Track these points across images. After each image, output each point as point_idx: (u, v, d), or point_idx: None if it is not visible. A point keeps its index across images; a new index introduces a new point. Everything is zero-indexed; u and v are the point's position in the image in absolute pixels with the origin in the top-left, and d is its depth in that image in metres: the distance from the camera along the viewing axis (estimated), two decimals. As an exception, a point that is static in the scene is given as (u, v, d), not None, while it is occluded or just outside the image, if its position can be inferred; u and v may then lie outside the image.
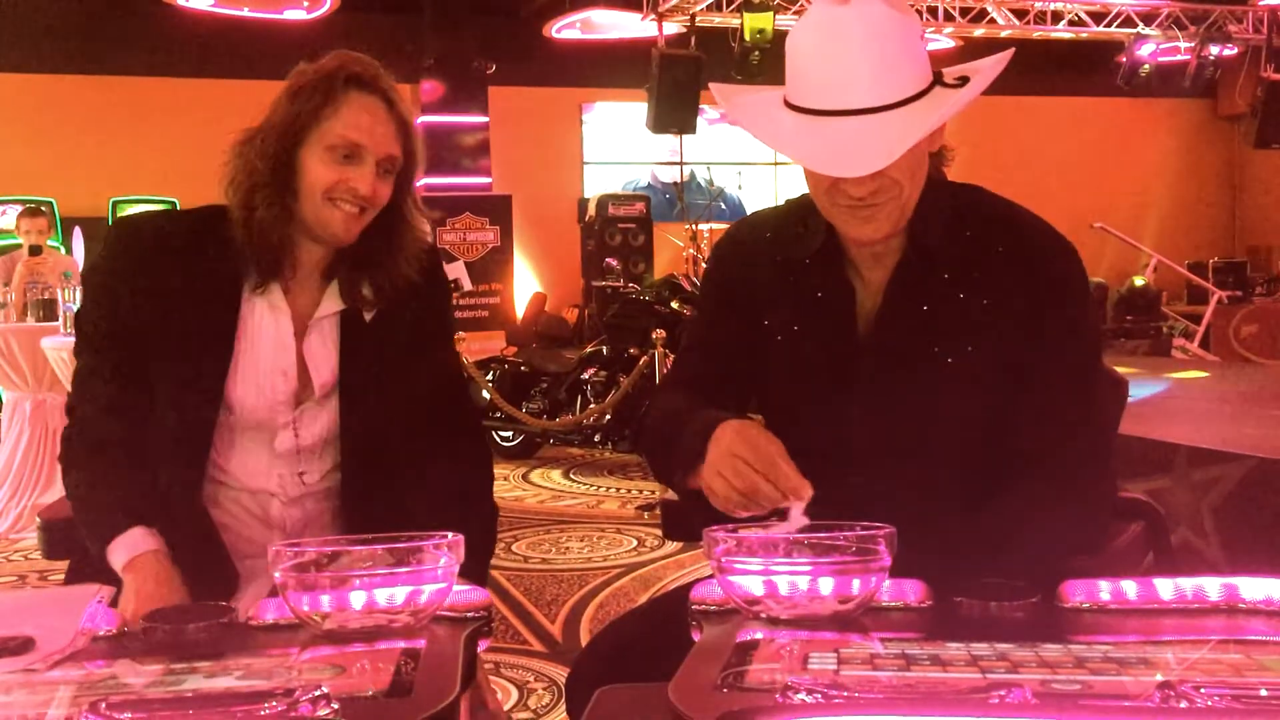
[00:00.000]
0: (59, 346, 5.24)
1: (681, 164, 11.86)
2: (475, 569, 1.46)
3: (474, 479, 1.76)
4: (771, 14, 8.60)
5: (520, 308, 10.99)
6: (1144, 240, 11.03)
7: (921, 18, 8.77)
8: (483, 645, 1.24)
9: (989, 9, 9.68)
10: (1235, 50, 10.11)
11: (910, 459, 1.51)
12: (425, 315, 1.75)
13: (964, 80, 1.44)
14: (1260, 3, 10.09)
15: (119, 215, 2.07)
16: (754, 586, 1.18)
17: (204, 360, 1.62)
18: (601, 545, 5.13)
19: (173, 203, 8.26)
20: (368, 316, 1.70)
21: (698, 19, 9.15)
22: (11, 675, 1.08)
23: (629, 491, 6.36)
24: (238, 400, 1.64)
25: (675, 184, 11.96)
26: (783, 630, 1.15)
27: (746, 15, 8.57)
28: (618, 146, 12.50)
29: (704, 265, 8.80)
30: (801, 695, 0.91)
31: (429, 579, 1.19)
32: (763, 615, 1.18)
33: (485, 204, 10.65)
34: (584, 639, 3.79)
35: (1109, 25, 9.95)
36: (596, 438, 7.00)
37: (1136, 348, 8.51)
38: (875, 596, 1.20)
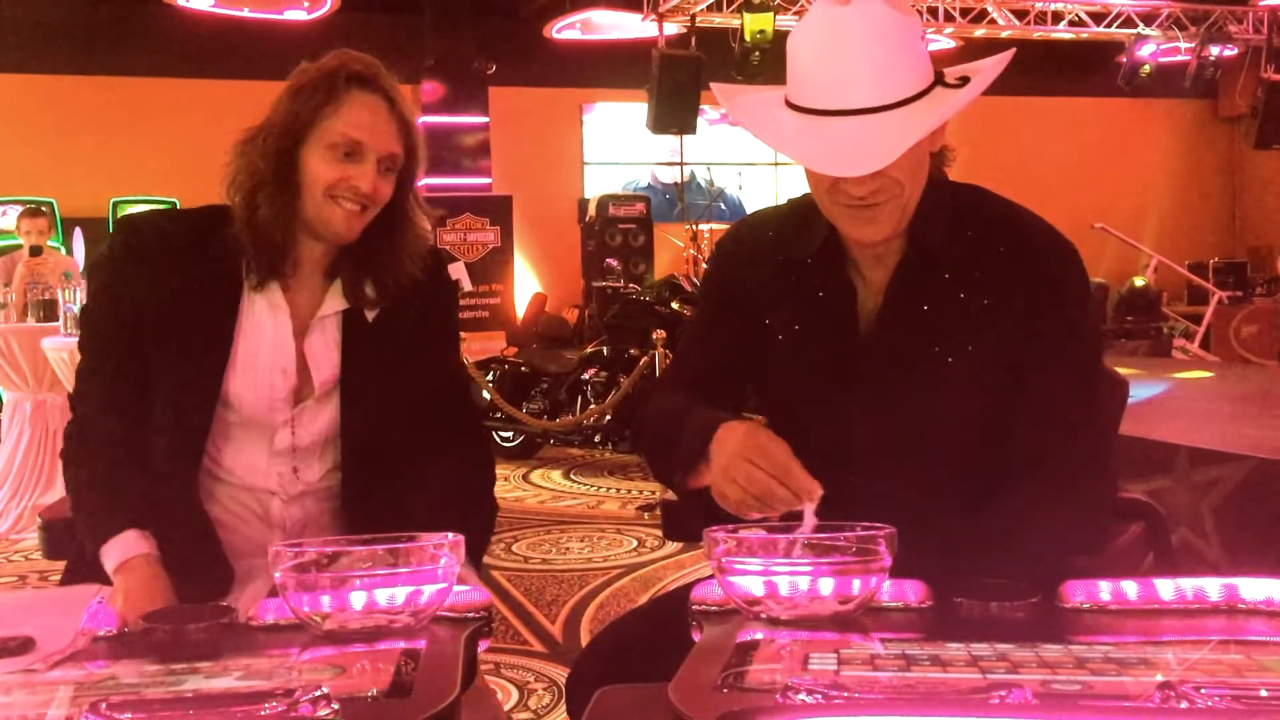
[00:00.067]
0: (59, 347, 5.24)
1: (682, 164, 11.85)
2: (471, 563, 1.47)
3: (475, 479, 1.76)
4: (772, 14, 8.60)
5: (520, 308, 10.99)
6: (1144, 241, 11.02)
7: (922, 18, 8.77)
8: (483, 646, 1.24)
9: (989, 9, 9.68)
10: (1235, 51, 10.10)
11: (910, 459, 1.51)
12: (428, 316, 1.75)
13: (965, 80, 1.44)
14: (1260, 3, 10.09)
15: (122, 214, 2.08)
16: (754, 587, 1.18)
17: (202, 356, 1.63)
18: (602, 546, 5.13)
19: (173, 203, 8.25)
20: (370, 316, 1.71)
21: (698, 19, 9.15)
22: (12, 675, 1.08)
23: (629, 492, 6.36)
24: (236, 396, 1.64)
25: (675, 184, 11.96)
26: (783, 631, 1.15)
27: (747, 15, 8.57)
28: (618, 147, 12.49)
29: (704, 265, 8.82)
30: (802, 696, 0.91)
31: (429, 579, 1.19)
32: (763, 616, 1.18)
33: (485, 204, 10.65)
34: (584, 639, 3.79)
35: (1109, 26, 9.95)
36: (597, 438, 7.00)
37: (1137, 348, 8.51)
38: (875, 597, 1.20)
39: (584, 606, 4.20)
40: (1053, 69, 11.02)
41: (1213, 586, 1.21)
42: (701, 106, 9.16)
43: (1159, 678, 0.95)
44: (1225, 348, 8.40)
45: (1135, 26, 9.89)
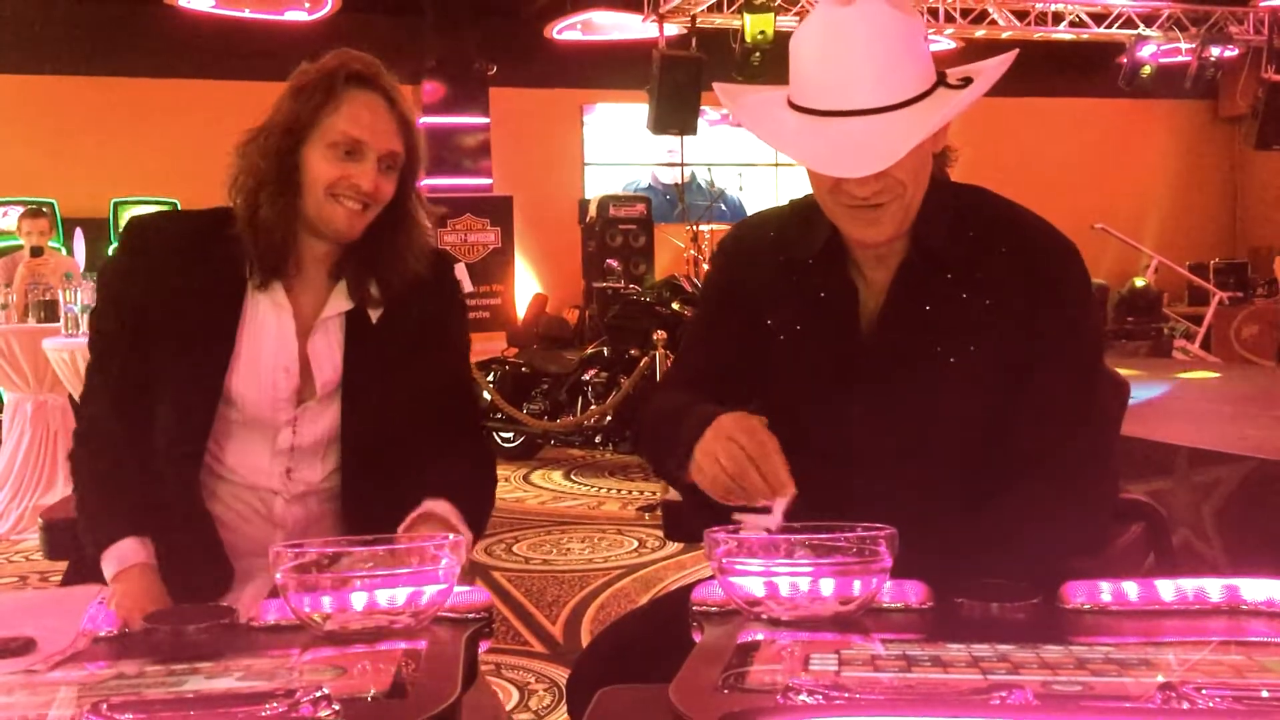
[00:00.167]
0: (60, 348, 5.24)
1: (682, 165, 11.85)
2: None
3: (475, 479, 1.76)
4: (773, 15, 8.60)
5: (521, 309, 10.99)
6: (1145, 241, 11.02)
7: (923, 19, 8.76)
8: (484, 646, 1.24)
9: (990, 10, 9.68)
10: (1236, 51, 10.11)
11: (911, 459, 1.51)
12: (432, 318, 1.75)
13: (967, 81, 1.44)
14: (1261, 4, 10.09)
15: (131, 216, 2.10)
16: (755, 588, 1.18)
17: (205, 353, 1.64)
18: (602, 546, 5.13)
19: (174, 203, 8.25)
20: (374, 317, 1.71)
21: (698, 20, 9.16)
22: (13, 676, 1.08)
23: (630, 493, 6.36)
24: (239, 395, 1.65)
25: (676, 185, 11.95)
26: (784, 631, 1.15)
27: (747, 16, 8.57)
28: (618, 147, 12.49)
29: (705, 266, 8.82)
30: (803, 696, 0.91)
31: (430, 580, 1.19)
32: (764, 616, 1.18)
33: (486, 205, 10.65)
34: (585, 640, 3.79)
35: (1110, 26, 9.95)
36: (597, 439, 7.00)
37: (1137, 349, 8.51)
38: (876, 598, 1.20)
39: (585, 607, 4.20)
40: (1053, 70, 11.01)
41: (1213, 587, 1.21)
42: (702, 107, 9.16)
43: (1160, 679, 0.95)
44: (1226, 348, 8.40)
45: (1136, 27, 9.89)
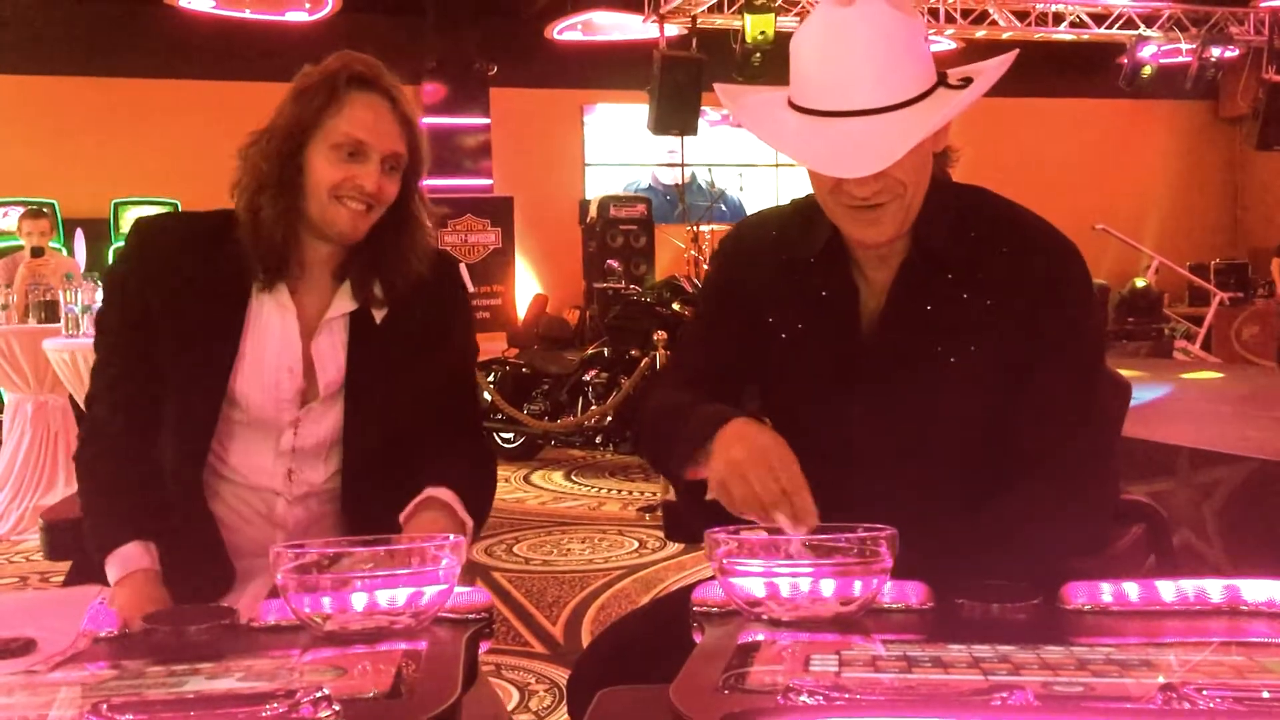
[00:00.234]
0: (61, 348, 5.24)
1: (683, 165, 11.85)
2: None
3: (476, 477, 1.76)
4: (773, 16, 8.60)
5: (521, 309, 10.98)
6: (1145, 242, 11.02)
7: (923, 19, 8.76)
8: (484, 647, 1.24)
9: (990, 11, 9.68)
10: (1236, 52, 10.11)
11: (912, 459, 1.51)
12: (435, 318, 1.75)
13: (967, 81, 1.44)
14: (1261, 4, 10.09)
15: (139, 217, 2.10)
16: (755, 588, 1.18)
17: (209, 354, 1.65)
18: (603, 547, 5.13)
19: (174, 204, 8.25)
20: (378, 318, 1.71)
21: (699, 21, 9.16)
22: (13, 677, 1.08)
23: (630, 493, 6.36)
24: (243, 395, 1.66)
25: (676, 185, 11.96)
26: (784, 632, 1.15)
27: (748, 17, 8.57)
28: (619, 148, 12.48)
29: (705, 267, 8.81)
30: (803, 697, 0.91)
31: (430, 581, 1.19)
32: (764, 617, 1.18)
33: (487, 206, 10.65)
34: (585, 641, 3.79)
35: (1110, 27, 9.95)
36: (598, 439, 7.00)
37: (1138, 349, 8.51)
38: (877, 598, 1.20)
39: (585, 608, 4.20)
40: (1054, 70, 11.01)
41: (1214, 588, 1.21)
42: (702, 108, 9.16)
43: (1161, 679, 0.95)
44: (1226, 349, 8.41)
45: (1136, 28, 9.90)
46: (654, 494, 6.14)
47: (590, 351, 7.49)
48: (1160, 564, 1.72)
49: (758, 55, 8.54)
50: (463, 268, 1.88)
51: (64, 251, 8.15)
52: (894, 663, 1.04)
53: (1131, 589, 1.22)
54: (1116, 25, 9.94)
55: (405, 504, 1.61)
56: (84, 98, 10.39)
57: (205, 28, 9.80)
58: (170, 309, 1.64)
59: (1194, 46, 9.80)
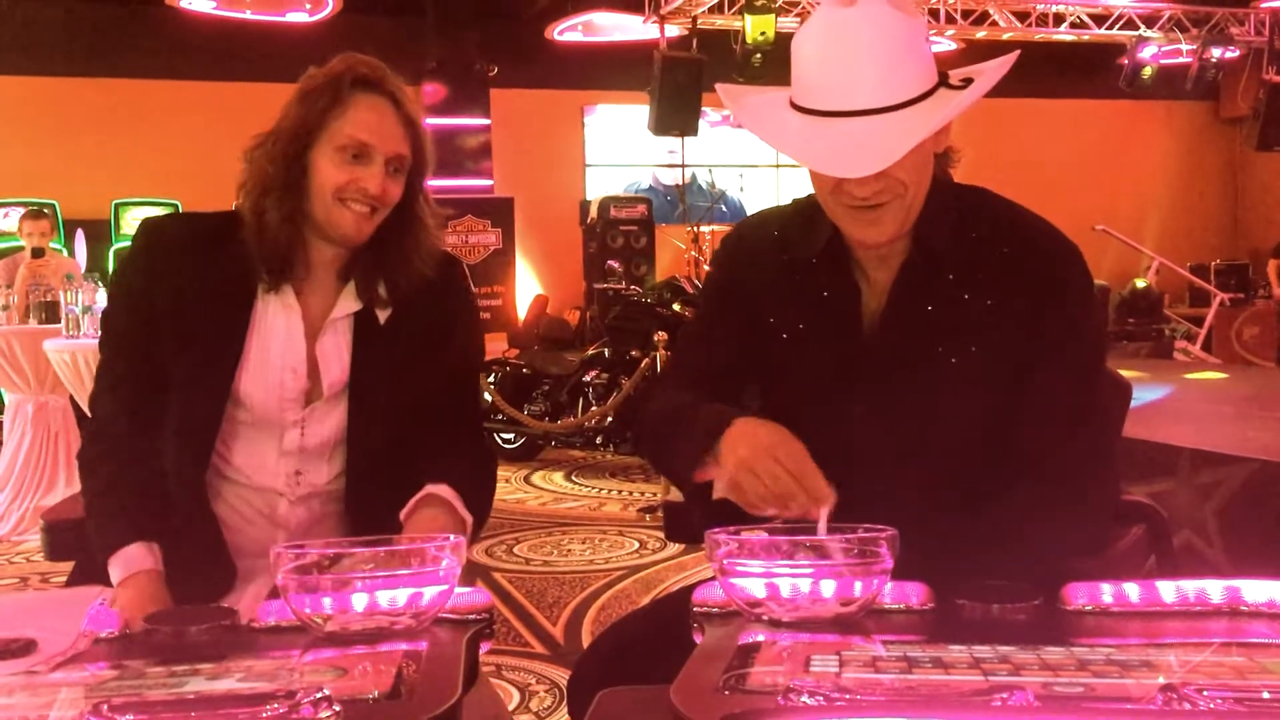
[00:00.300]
0: (61, 349, 5.24)
1: (683, 166, 11.86)
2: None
3: (476, 477, 1.76)
4: (773, 16, 8.60)
5: (522, 310, 10.98)
6: (1145, 242, 11.02)
7: (924, 19, 8.77)
8: (484, 648, 1.24)
9: (991, 11, 9.68)
10: (1237, 53, 10.11)
11: (912, 459, 1.51)
12: (439, 319, 1.75)
13: (969, 82, 1.44)
14: (1262, 5, 10.09)
15: (145, 217, 2.10)
16: (756, 589, 1.18)
17: (213, 352, 1.65)
18: (603, 547, 5.13)
19: (175, 205, 8.25)
20: (383, 318, 1.71)
21: (699, 21, 9.16)
22: (14, 677, 1.08)
23: (631, 494, 6.36)
24: (247, 395, 1.66)
25: (677, 186, 11.96)
26: (785, 632, 1.15)
27: (748, 17, 8.57)
28: (619, 149, 12.48)
29: (706, 267, 8.81)
30: (804, 698, 0.91)
31: (430, 581, 1.19)
32: (765, 617, 1.18)
33: (487, 206, 10.65)
34: (586, 641, 3.79)
35: (1111, 28, 9.95)
36: (598, 440, 7.00)
37: (1138, 350, 8.51)
38: (877, 599, 1.20)
39: (585, 608, 4.20)
40: (1055, 71, 11.00)
41: (1215, 589, 1.21)
42: (703, 108, 9.15)
43: (1161, 680, 0.95)
44: (1227, 350, 8.41)
45: (1137, 28, 9.89)
46: (654, 495, 6.14)
47: (591, 352, 7.49)
48: (1161, 565, 1.72)
49: (758, 56, 8.54)
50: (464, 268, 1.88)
51: (64, 252, 8.15)
52: (894, 663, 1.04)
53: (1132, 590, 1.22)
54: (1117, 26, 9.94)
55: (407, 503, 1.61)
56: (85, 98, 10.39)
57: (206, 28, 9.80)
58: (175, 309, 1.64)
59: (1194, 47, 9.79)
